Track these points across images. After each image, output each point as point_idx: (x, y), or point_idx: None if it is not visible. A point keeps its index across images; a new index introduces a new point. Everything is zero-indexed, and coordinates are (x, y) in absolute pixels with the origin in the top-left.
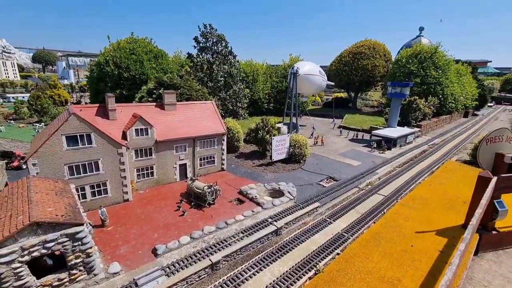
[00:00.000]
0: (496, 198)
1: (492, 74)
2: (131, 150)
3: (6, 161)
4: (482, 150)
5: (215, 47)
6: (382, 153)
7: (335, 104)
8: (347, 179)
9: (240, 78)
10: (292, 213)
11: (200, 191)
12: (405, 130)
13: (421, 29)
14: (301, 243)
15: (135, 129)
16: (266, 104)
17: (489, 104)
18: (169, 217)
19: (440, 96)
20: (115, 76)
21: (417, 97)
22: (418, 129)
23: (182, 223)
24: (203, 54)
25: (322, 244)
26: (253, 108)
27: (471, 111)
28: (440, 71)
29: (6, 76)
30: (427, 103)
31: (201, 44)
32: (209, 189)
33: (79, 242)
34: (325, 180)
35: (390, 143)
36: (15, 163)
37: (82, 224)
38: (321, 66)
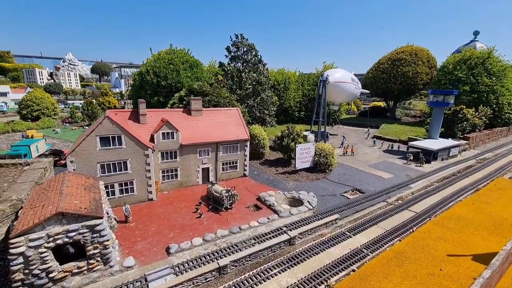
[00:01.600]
0: None
1: None
2: (158, 152)
3: (56, 158)
4: None
5: (246, 56)
6: (420, 166)
7: (372, 113)
8: (374, 192)
9: (269, 85)
10: (309, 223)
11: (218, 195)
12: (448, 142)
13: (476, 33)
14: (314, 255)
15: (162, 133)
16: (297, 112)
17: None
18: (187, 218)
19: (494, 106)
20: (154, 85)
21: (464, 106)
22: (465, 141)
23: (197, 225)
24: (234, 62)
25: (338, 259)
26: (284, 116)
27: None
28: (494, 78)
29: (69, 85)
30: (477, 113)
31: (232, 53)
32: (227, 194)
33: (98, 234)
34: (350, 191)
35: (429, 155)
36: (63, 161)
37: (101, 218)
38: (358, 74)
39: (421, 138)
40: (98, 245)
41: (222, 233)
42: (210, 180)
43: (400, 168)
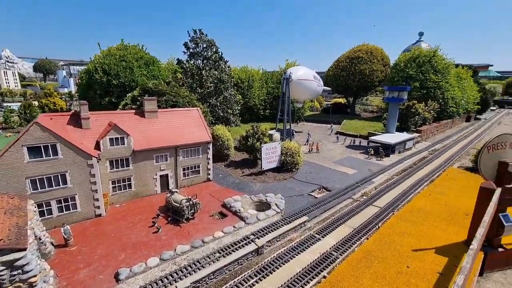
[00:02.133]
0: (501, 212)
1: (494, 78)
2: (105, 161)
3: None
4: (483, 159)
5: (205, 53)
6: (380, 160)
7: (334, 110)
8: (340, 189)
9: (232, 84)
10: (277, 228)
11: (178, 205)
12: (404, 135)
13: (421, 34)
14: (284, 264)
15: (110, 138)
16: (262, 111)
17: (491, 108)
18: (142, 235)
19: (440, 100)
20: (104, 84)
21: (416, 102)
22: (417, 134)
23: (154, 241)
24: (193, 60)
25: (308, 265)
26: (249, 115)
27: (473, 115)
28: (439, 75)
29: (7, 85)
30: (426, 107)
31: (191, 50)
32: (188, 203)
33: (20, 271)
34: (317, 190)
35: (388, 149)
36: None
37: (25, 249)
38: (319, 72)
39: (379, 133)
40: (21, 284)
41: (183, 249)
42: (170, 188)
43: (363, 163)
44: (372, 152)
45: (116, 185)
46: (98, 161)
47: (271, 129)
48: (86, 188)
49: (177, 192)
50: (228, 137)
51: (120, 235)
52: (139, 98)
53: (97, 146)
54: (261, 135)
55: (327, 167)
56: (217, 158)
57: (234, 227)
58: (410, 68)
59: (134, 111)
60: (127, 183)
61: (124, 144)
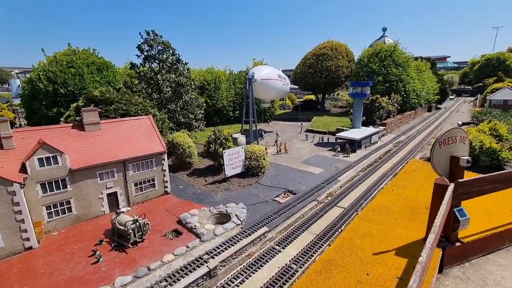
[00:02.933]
0: (456, 206)
1: (451, 69)
2: (35, 184)
3: None
4: (436, 154)
5: (161, 56)
6: (347, 156)
7: (305, 107)
8: (306, 191)
9: (193, 87)
10: (236, 243)
11: (123, 228)
12: (370, 130)
13: (384, 29)
14: (239, 286)
15: (39, 159)
16: (231, 112)
17: (450, 97)
18: (78, 267)
19: (403, 93)
20: (49, 93)
21: (379, 96)
22: (383, 127)
23: (92, 274)
24: (148, 63)
25: (265, 284)
26: (218, 117)
27: (434, 105)
28: (400, 68)
29: None
30: (390, 100)
31: (145, 53)
32: (134, 225)
33: None
34: (282, 194)
35: (354, 145)
36: None
37: None
38: (289, 70)
39: (347, 128)
40: None
41: (123, 281)
42: (116, 209)
43: (330, 161)
44: (339, 149)
45: (52, 210)
46: (22, 187)
47: (236, 133)
48: (9, 219)
49: (123, 212)
50: (189, 144)
51: (52, 271)
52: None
53: (23, 169)
54: (224, 140)
55: (294, 168)
56: (178, 167)
57: (187, 247)
58: (373, 63)
59: (71, 124)
60: (66, 206)
61: (57, 163)
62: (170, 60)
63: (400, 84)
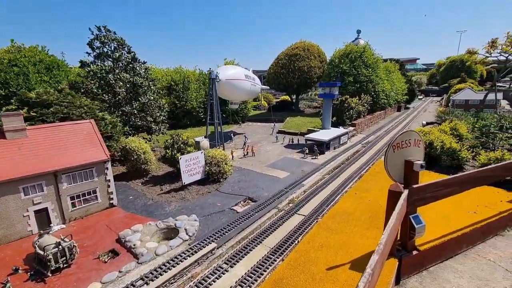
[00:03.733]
0: (411, 213)
1: (420, 70)
2: None
3: None
4: (390, 158)
5: (114, 54)
6: (315, 158)
7: (280, 107)
8: (267, 198)
9: (153, 87)
10: (178, 264)
11: (42, 253)
12: (338, 131)
13: (359, 32)
14: None
15: None
16: (202, 114)
17: (419, 97)
18: None
19: (373, 93)
20: None
21: (348, 96)
22: (352, 128)
23: None
24: (100, 61)
25: None
26: (188, 119)
27: (404, 105)
28: (370, 69)
29: None
30: (360, 101)
31: (96, 50)
32: (55, 249)
33: None
34: (242, 202)
35: (322, 146)
36: None
37: None
38: (262, 71)
39: (318, 129)
40: None
41: None
42: (51, 225)
43: (298, 164)
44: (307, 151)
45: None
46: None
47: (204, 137)
48: None
49: (48, 233)
50: (145, 149)
51: None
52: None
53: None
54: (183, 145)
55: (259, 173)
56: (133, 175)
57: (119, 271)
58: (343, 64)
59: None
60: None
61: None
62: (125, 59)
63: (370, 84)
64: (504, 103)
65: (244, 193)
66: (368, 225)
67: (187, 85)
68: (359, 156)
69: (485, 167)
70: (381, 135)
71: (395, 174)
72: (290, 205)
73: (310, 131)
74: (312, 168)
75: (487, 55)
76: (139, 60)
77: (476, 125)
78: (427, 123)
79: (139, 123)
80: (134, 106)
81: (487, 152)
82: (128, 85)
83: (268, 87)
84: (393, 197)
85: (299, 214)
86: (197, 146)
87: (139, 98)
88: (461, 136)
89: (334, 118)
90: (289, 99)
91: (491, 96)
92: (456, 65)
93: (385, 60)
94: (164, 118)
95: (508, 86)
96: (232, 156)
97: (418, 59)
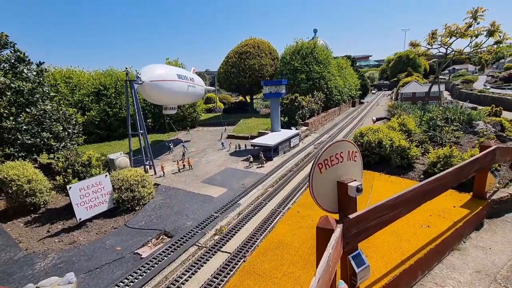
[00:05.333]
0: (351, 251)
1: (373, 66)
2: None
3: None
4: (316, 182)
5: None
6: (261, 167)
7: (235, 109)
8: (189, 230)
9: (51, 95)
10: None
11: None
12: (288, 133)
13: (315, 31)
14: None
15: None
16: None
17: (372, 92)
18: None
19: (326, 90)
20: None
21: (298, 95)
22: (305, 127)
23: None
24: None
25: None
26: (125, 128)
27: (358, 100)
28: (321, 66)
29: None
30: (313, 98)
31: None
32: None
33: None
34: (153, 240)
35: (270, 152)
36: None
37: None
38: (212, 72)
39: (268, 131)
40: None
41: None
42: None
43: (240, 175)
44: (251, 159)
45: None
46: None
47: (135, 151)
48: None
49: None
50: (31, 176)
51: None
52: None
53: None
54: (81, 167)
55: (190, 192)
56: (17, 212)
57: None
58: (295, 61)
59: None
60: None
61: None
62: (5, 60)
63: (323, 81)
64: (446, 94)
65: (161, 226)
66: (305, 261)
67: (120, 89)
68: (309, 160)
69: (433, 178)
70: (334, 133)
71: (325, 201)
72: (216, 237)
73: (261, 134)
74: (255, 180)
75: (429, 46)
76: (28, 60)
77: (423, 119)
78: (377, 119)
79: (29, 142)
80: (20, 119)
81: (435, 149)
82: (8, 93)
83: (214, 88)
84: (322, 236)
85: (223, 251)
86: (111, 166)
87: (27, 109)
88: (409, 131)
89: (286, 119)
90: (244, 100)
91: (435, 88)
92: (403, 60)
93: (337, 57)
94: (73, 131)
95: (447, 78)
96: (163, 172)
97: (371, 56)
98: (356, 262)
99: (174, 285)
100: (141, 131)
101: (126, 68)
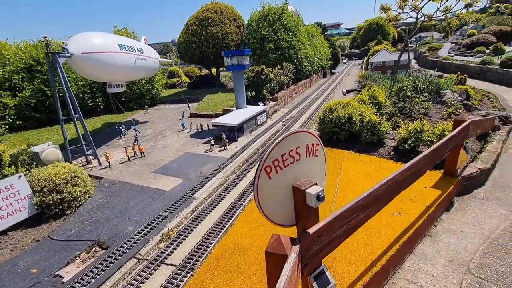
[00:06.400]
0: (314, 270)
1: (344, 34)
2: None
3: None
4: (264, 189)
5: None
6: (223, 150)
7: (202, 83)
8: (130, 237)
9: None
10: None
11: None
12: (254, 109)
13: None
14: None
15: None
16: (89, 100)
17: (343, 61)
18: None
19: (295, 61)
20: None
21: (264, 67)
22: (274, 102)
23: None
24: None
25: None
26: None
27: (329, 71)
28: (290, 33)
29: None
30: (282, 70)
31: None
32: None
33: None
34: (83, 254)
35: (234, 132)
36: None
37: None
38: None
39: (234, 108)
40: None
41: None
42: None
43: (199, 161)
44: (212, 141)
45: None
46: None
47: (49, 142)
48: None
49: None
50: None
51: None
52: None
53: None
54: None
55: (138, 186)
56: None
57: None
58: (262, 28)
59: None
60: None
61: None
62: None
63: (292, 51)
64: (413, 62)
65: (95, 234)
66: (264, 271)
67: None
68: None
69: (406, 166)
70: (304, 107)
71: (278, 214)
72: (162, 244)
73: (226, 112)
74: (216, 166)
75: (400, 11)
76: None
77: (393, 89)
78: (347, 91)
79: None
80: None
81: (405, 122)
82: None
83: (170, 60)
84: (274, 262)
85: (167, 264)
86: (37, 161)
87: None
88: (380, 104)
89: (253, 93)
90: (210, 73)
91: (404, 57)
92: (373, 28)
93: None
94: None
95: (415, 46)
96: (109, 163)
97: (342, 24)
98: (318, 283)
99: None
100: (76, 115)
101: (45, 37)
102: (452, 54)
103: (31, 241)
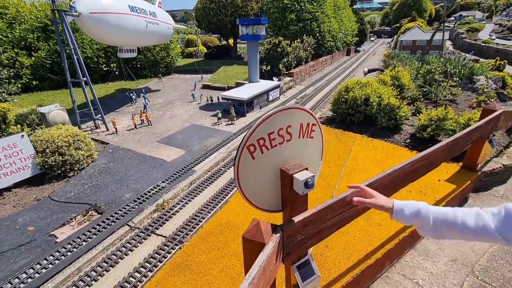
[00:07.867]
0: (295, 261)
1: (375, 9)
2: None
3: None
4: (246, 172)
5: None
6: (231, 124)
7: (218, 54)
8: (126, 204)
9: None
10: None
11: None
12: (267, 84)
13: None
14: None
15: None
16: (104, 65)
17: (371, 39)
18: None
19: (317, 35)
20: None
21: (282, 38)
22: (289, 78)
23: None
24: None
25: None
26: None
27: (354, 48)
28: (315, 4)
29: None
30: (302, 44)
31: None
32: None
33: None
34: (79, 217)
35: (243, 107)
36: None
37: None
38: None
39: (246, 82)
40: None
41: None
42: None
43: (204, 134)
44: (220, 115)
45: None
46: None
47: (54, 105)
48: None
49: None
50: None
51: None
52: None
53: None
54: None
55: (141, 154)
56: None
57: None
58: None
59: None
60: None
61: None
62: None
63: (315, 23)
64: (448, 43)
65: (93, 198)
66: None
67: (73, 25)
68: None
69: (418, 156)
70: (322, 85)
71: (263, 198)
72: (155, 215)
73: (238, 85)
74: (220, 141)
75: None
76: None
77: (420, 71)
78: (369, 71)
79: None
80: None
81: (428, 108)
82: None
83: (185, 27)
84: (251, 250)
85: (158, 234)
86: (44, 122)
87: None
88: (402, 86)
89: (268, 67)
90: (225, 43)
91: (437, 37)
92: (408, 3)
93: None
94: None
95: (453, 25)
96: (115, 129)
97: None
98: (301, 273)
99: (84, 282)
100: (84, 79)
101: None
102: (493, 37)
103: (33, 199)
